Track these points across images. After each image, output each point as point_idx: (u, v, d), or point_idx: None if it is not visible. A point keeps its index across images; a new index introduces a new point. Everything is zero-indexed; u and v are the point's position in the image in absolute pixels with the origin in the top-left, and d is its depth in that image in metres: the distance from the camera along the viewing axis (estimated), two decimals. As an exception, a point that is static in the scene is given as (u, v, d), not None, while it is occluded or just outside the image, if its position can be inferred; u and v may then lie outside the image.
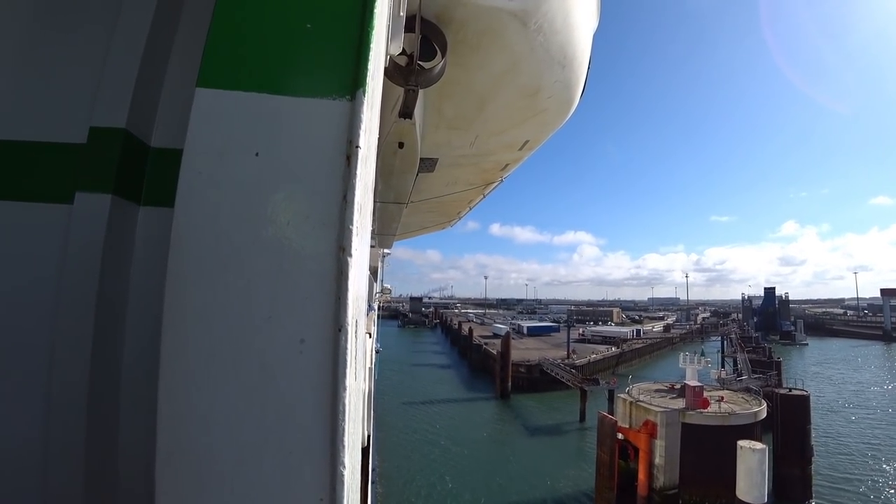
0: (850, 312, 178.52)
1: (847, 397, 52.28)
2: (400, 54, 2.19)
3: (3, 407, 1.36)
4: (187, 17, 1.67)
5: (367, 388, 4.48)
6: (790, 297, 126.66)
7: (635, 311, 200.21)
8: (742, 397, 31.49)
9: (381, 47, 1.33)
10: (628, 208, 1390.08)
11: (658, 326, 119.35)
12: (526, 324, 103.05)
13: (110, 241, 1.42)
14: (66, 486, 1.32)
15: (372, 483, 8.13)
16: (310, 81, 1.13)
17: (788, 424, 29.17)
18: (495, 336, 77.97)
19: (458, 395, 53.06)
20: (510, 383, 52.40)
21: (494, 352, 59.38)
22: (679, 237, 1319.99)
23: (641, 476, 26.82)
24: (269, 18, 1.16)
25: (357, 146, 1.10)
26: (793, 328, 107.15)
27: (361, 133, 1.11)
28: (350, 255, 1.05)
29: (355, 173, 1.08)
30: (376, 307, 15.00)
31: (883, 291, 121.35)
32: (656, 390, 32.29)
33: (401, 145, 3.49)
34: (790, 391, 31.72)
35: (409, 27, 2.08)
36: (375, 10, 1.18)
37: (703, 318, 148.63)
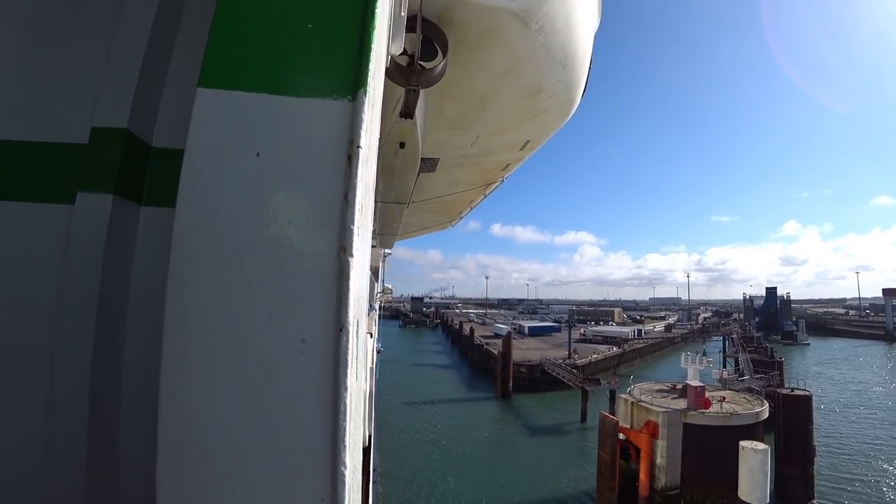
0: (851, 312, 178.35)
1: (849, 397, 52.11)
2: (401, 54, 2.19)
3: (5, 407, 1.36)
4: (189, 18, 1.67)
5: (368, 388, 4.48)
6: (792, 297, 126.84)
7: (637, 311, 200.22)
8: (744, 397, 31.46)
9: (382, 47, 1.33)
10: (629, 208, 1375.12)
11: (659, 326, 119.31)
12: (527, 324, 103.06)
13: (111, 241, 1.42)
14: (67, 487, 1.31)
15: (373, 483, 8.14)
16: (311, 81, 1.13)
17: (790, 424, 29.11)
18: (496, 336, 78.10)
19: (459, 395, 53.05)
20: (511, 383, 52.38)
21: (495, 352, 59.35)
22: (680, 237, 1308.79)
23: (643, 476, 26.79)
24: (270, 19, 1.16)
25: (358, 146, 1.10)
26: (794, 328, 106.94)
27: (362, 133, 1.11)
28: (351, 255, 1.05)
29: (356, 173, 1.08)
30: (377, 307, 15.03)
31: (885, 291, 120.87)
32: (658, 390, 32.25)
33: (402, 145, 3.48)
34: (792, 391, 31.62)
35: (410, 27, 2.09)
36: (376, 10, 1.18)
37: (705, 318, 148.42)
